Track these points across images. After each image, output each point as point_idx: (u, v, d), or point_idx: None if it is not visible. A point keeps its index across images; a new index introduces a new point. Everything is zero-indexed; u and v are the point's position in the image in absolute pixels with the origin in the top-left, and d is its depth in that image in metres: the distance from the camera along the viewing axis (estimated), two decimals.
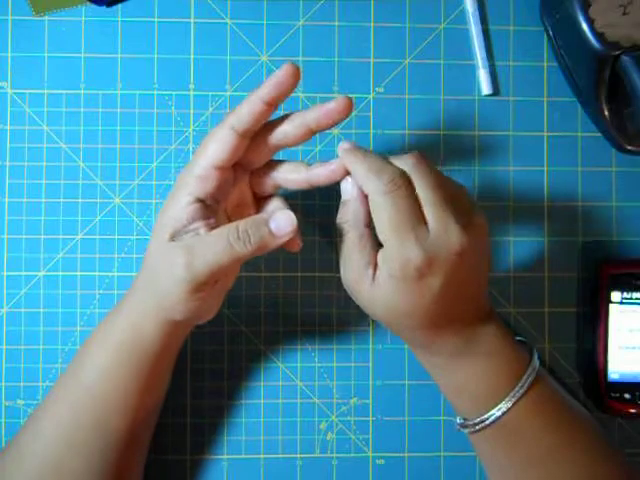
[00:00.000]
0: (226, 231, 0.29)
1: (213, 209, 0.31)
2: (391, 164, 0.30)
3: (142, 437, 0.35)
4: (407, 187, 0.29)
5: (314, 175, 0.32)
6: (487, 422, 0.33)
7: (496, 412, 0.32)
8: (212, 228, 0.30)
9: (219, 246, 0.29)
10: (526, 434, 0.33)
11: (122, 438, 0.33)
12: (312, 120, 0.31)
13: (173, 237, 0.30)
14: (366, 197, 0.31)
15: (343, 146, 0.32)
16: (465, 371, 0.33)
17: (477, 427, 0.33)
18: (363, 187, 0.31)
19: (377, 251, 0.31)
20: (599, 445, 0.34)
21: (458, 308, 0.32)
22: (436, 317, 0.31)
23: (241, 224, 0.29)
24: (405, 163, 0.30)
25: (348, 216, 0.32)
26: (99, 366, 0.32)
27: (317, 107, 0.30)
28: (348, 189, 0.32)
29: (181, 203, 0.30)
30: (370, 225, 0.31)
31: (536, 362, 0.34)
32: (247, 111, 0.30)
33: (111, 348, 0.32)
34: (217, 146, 0.30)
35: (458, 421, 0.35)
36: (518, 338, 0.38)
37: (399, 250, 0.29)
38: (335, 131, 0.41)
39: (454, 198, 0.31)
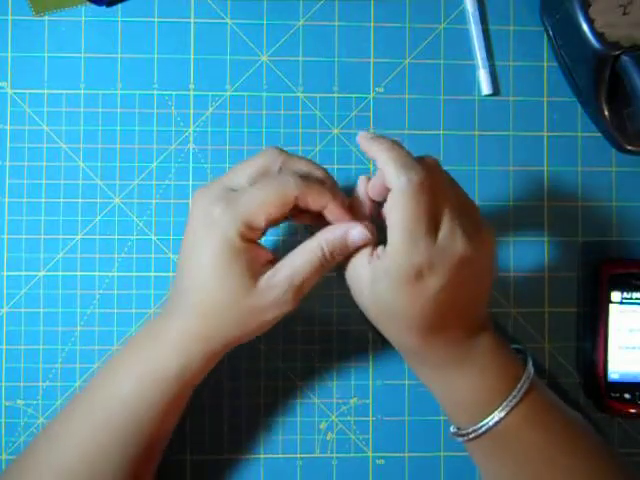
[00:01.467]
0: (317, 257, 0.31)
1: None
2: (418, 162, 0.29)
3: (160, 447, 0.35)
4: (433, 192, 0.29)
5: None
6: (480, 431, 0.32)
7: (489, 422, 0.32)
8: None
9: (313, 265, 0.31)
10: (521, 443, 0.32)
11: (146, 447, 0.32)
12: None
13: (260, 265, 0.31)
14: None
15: (364, 135, 0.31)
16: (458, 383, 0.33)
17: (470, 436, 0.33)
18: (387, 179, 0.29)
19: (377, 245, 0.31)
20: (597, 452, 0.34)
21: (453, 315, 0.31)
22: (428, 321, 0.30)
23: (327, 249, 0.31)
24: (427, 166, 0.29)
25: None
26: (134, 379, 0.31)
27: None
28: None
29: (236, 244, 0.30)
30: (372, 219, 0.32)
31: (530, 370, 0.33)
32: (312, 200, 0.30)
33: (147, 367, 0.32)
34: (275, 209, 0.30)
35: (452, 430, 0.35)
36: (514, 346, 0.38)
37: (406, 251, 0.29)
38: (335, 130, 0.41)
39: (466, 208, 0.31)
